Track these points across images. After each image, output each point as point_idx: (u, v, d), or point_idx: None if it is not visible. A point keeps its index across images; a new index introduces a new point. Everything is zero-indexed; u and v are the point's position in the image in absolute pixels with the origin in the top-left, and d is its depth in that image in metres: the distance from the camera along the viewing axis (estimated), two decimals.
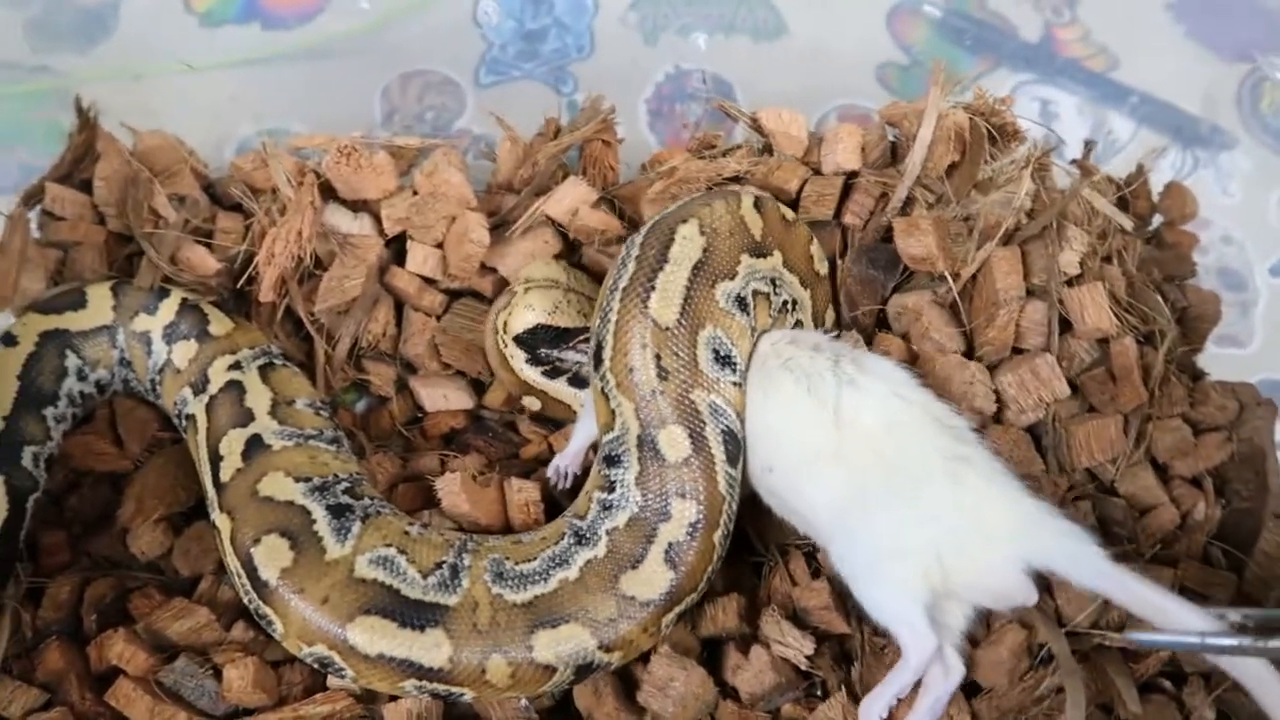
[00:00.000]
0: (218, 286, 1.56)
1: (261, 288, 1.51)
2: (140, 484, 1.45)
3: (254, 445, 1.39)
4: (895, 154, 1.57)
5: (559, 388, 1.51)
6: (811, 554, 1.37)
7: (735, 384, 1.32)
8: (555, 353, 1.47)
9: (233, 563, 1.32)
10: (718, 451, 1.28)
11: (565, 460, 1.45)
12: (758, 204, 1.40)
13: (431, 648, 1.23)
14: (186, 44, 1.90)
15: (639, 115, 1.95)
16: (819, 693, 1.32)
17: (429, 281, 1.59)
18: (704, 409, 1.28)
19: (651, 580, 1.26)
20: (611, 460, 1.31)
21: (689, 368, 1.28)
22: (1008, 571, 1.17)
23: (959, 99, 1.52)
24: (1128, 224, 1.52)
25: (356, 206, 1.57)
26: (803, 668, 1.30)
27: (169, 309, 1.51)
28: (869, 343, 1.44)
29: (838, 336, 1.42)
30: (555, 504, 1.47)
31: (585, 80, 1.95)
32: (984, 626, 1.28)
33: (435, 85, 1.96)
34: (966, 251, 1.44)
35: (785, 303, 1.41)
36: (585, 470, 1.45)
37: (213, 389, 1.46)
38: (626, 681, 1.34)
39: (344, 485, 1.37)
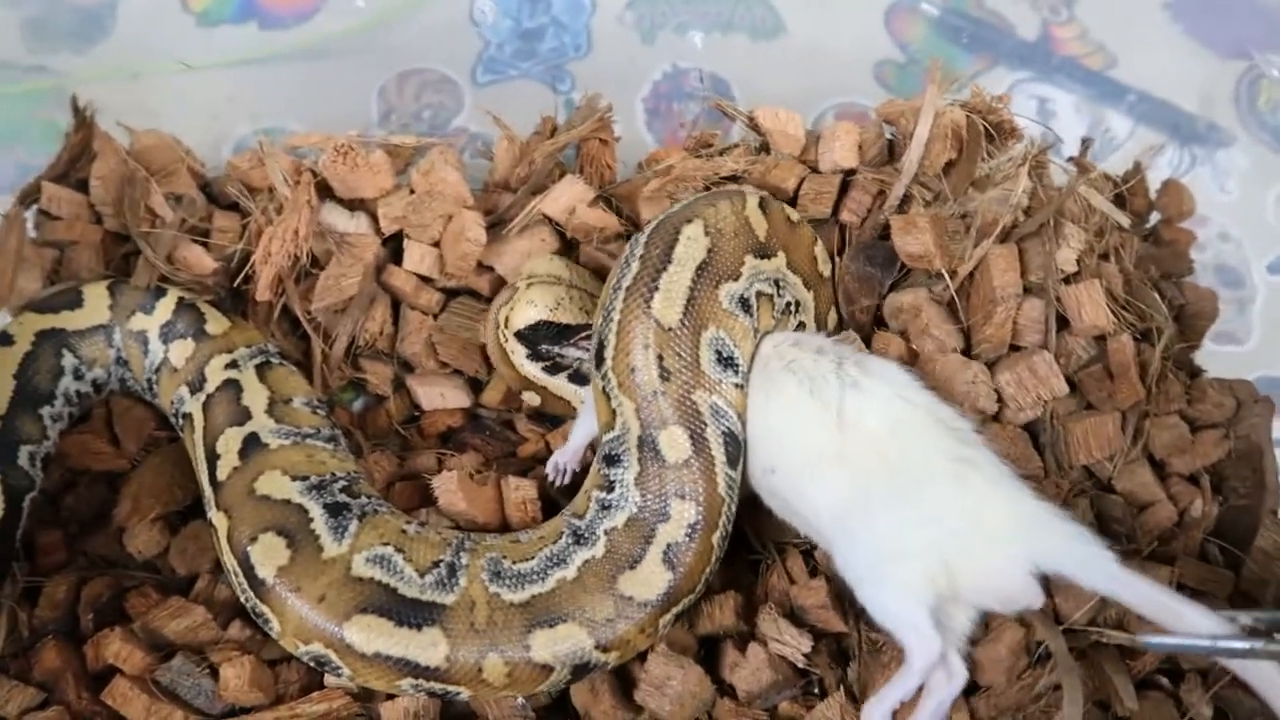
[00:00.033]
0: (214, 285, 1.56)
1: (258, 287, 1.51)
2: (137, 483, 1.45)
3: (251, 444, 1.39)
4: (892, 152, 1.57)
5: (559, 384, 1.51)
6: (809, 552, 1.37)
7: (737, 385, 1.31)
8: (556, 349, 1.46)
9: (229, 561, 1.32)
10: (718, 453, 1.28)
11: (564, 457, 1.45)
12: (763, 205, 1.40)
13: (428, 646, 1.23)
14: (183, 43, 1.90)
15: (636, 114, 1.94)
16: (816, 691, 1.32)
17: (426, 280, 1.59)
18: (705, 410, 1.28)
19: (649, 581, 1.26)
20: (611, 460, 1.31)
21: (691, 369, 1.28)
22: (1014, 574, 1.17)
23: (956, 97, 1.52)
24: (1125, 221, 1.52)
25: (353, 205, 1.57)
26: (800, 665, 1.30)
27: (166, 308, 1.51)
28: (867, 342, 1.44)
29: (841, 333, 1.42)
30: (552, 502, 1.47)
31: (582, 79, 1.95)
32: (982, 625, 1.27)
33: (432, 84, 1.95)
34: (964, 249, 1.44)
35: (788, 304, 1.41)
36: (584, 468, 1.45)
37: (210, 388, 1.46)
38: (623, 680, 1.34)
39: (341, 484, 1.37)
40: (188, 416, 1.46)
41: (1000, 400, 1.40)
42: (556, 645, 1.24)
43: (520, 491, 1.43)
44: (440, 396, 1.59)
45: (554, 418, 1.61)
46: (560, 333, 1.45)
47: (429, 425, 1.60)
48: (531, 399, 1.55)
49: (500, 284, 1.58)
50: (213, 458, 1.39)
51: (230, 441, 1.39)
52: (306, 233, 1.49)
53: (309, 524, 1.31)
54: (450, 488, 1.41)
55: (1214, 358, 1.62)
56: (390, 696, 1.30)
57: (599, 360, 1.31)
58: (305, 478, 1.36)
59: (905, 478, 1.21)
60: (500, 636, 1.24)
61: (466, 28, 1.97)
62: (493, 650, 1.23)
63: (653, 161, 1.63)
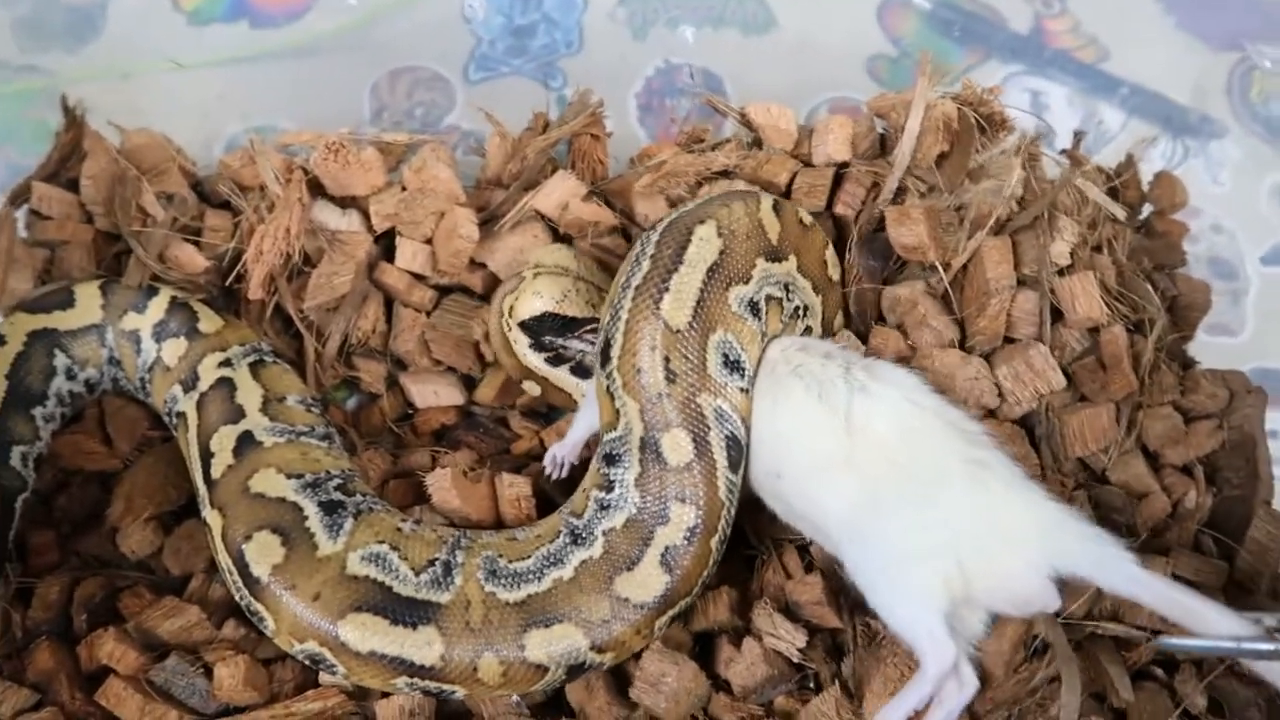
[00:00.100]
0: (206, 284, 1.56)
1: (250, 285, 1.50)
2: (130, 483, 1.45)
3: (245, 442, 1.38)
4: (884, 146, 1.57)
5: (561, 376, 1.50)
6: (804, 548, 1.37)
7: (742, 389, 1.30)
8: (560, 341, 1.46)
9: (224, 559, 1.31)
10: (720, 457, 1.27)
11: (563, 450, 1.45)
12: (776, 207, 1.39)
13: (423, 645, 1.23)
14: (174, 42, 1.89)
15: (629, 110, 1.94)
16: (812, 685, 1.31)
17: (418, 277, 1.59)
18: (709, 414, 1.28)
19: (646, 583, 1.25)
20: (611, 459, 1.30)
21: (697, 371, 1.27)
22: (1031, 577, 1.16)
23: (948, 90, 1.52)
24: (1119, 213, 1.52)
25: (345, 203, 1.57)
26: (795, 660, 1.30)
27: (158, 307, 1.51)
28: (866, 338, 1.44)
29: (839, 334, 1.42)
30: (547, 499, 1.47)
31: (575, 75, 1.94)
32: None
33: (425, 81, 1.95)
34: (958, 241, 1.44)
35: (797, 308, 1.40)
36: (582, 462, 1.44)
37: (203, 386, 1.45)
38: (619, 677, 1.34)
39: (336, 482, 1.37)
40: (181, 415, 1.45)
41: (999, 395, 1.40)
42: (552, 645, 1.24)
43: (514, 488, 1.43)
44: (434, 394, 1.59)
45: (548, 414, 1.60)
46: (565, 325, 1.44)
47: (423, 423, 1.60)
48: (532, 389, 1.54)
49: (493, 280, 1.58)
50: (207, 456, 1.38)
51: (224, 440, 1.39)
52: (298, 231, 1.49)
53: (304, 522, 1.30)
54: (444, 485, 1.41)
55: (1208, 349, 1.62)
56: (385, 695, 1.30)
57: (604, 359, 1.31)
58: (300, 475, 1.35)
59: (916, 481, 1.20)
60: (495, 636, 1.23)
61: (458, 25, 1.97)
62: (488, 650, 1.23)
63: (645, 157, 1.63)
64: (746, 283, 1.32)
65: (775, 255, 1.36)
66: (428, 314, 1.59)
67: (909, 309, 1.43)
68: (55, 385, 1.48)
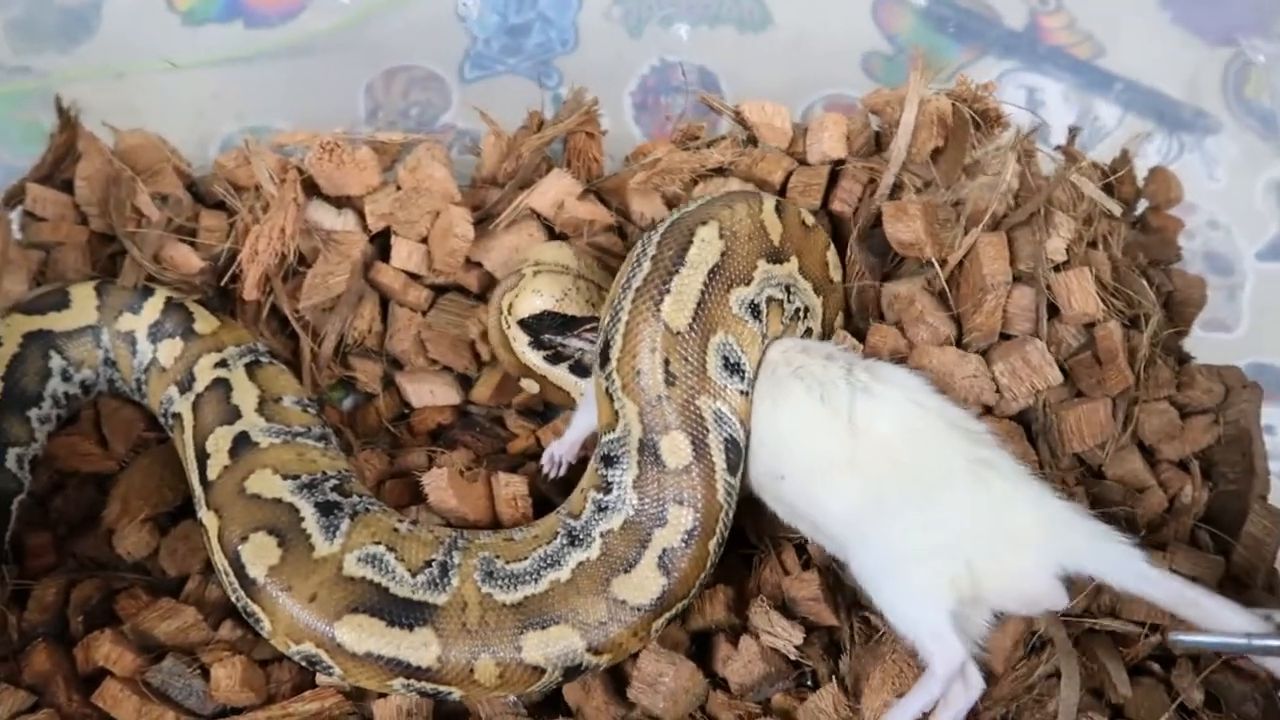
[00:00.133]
0: (202, 285, 1.55)
1: (245, 285, 1.50)
2: (126, 484, 1.45)
3: (241, 442, 1.38)
4: (879, 142, 1.57)
5: (560, 374, 1.49)
6: (802, 546, 1.37)
7: (742, 392, 1.30)
8: (559, 339, 1.45)
9: (220, 560, 1.31)
10: (719, 460, 1.27)
11: (561, 449, 1.45)
12: (779, 208, 1.38)
13: (420, 647, 1.23)
14: (169, 42, 1.89)
15: (624, 108, 1.94)
16: (809, 683, 1.31)
17: (414, 277, 1.58)
18: (709, 416, 1.27)
19: (643, 585, 1.25)
20: (609, 460, 1.30)
21: (697, 374, 1.27)
22: (1040, 576, 1.16)
23: (943, 86, 1.52)
24: (1115, 209, 1.52)
25: (340, 203, 1.57)
26: (792, 658, 1.30)
27: (153, 308, 1.50)
28: (864, 336, 1.44)
29: (838, 335, 1.42)
30: (544, 498, 1.47)
31: (570, 74, 1.94)
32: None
33: (420, 81, 1.95)
34: (954, 237, 1.44)
35: (797, 310, 1.40)
36: (580, 461, 1.44)
37: (199, 387, 1.45)
38: (616, 676, 1.33)
39: (333, 482, 1.37)
40: (177, 416, 1.45)
41: (996, 391, 1.40)
42: (548, 647, 1.24)
43: (511, 488, 1.42)
44: (430, 393, 1.59)
45: (544, 413, 1.60)
46: (565, 324, 1.43)
47: (419, 422, 1.60)
48: (530, 386, 1.54)
49: (489, 279, 1.58)
50: (203, 457, 1.38)
51: (220, 440, 1.39)
52: (293, 231, 1.48)
53: (300, 523, 1.30)
54: (440, 485, 1.40)
55: (1204, 345, 1.62)
56: (382, 695, 1.30)
57: (604, 360, 1.30)
58: (296, 476, 1.35)
59: (920, 482, 1.19)
60: (492, 637, 1.23)
61: (453, 24, 1.97)
62: (484, 651, 1.23)
63: (640, 155, 1.63)
64: (748, 284, 1.31)
65: (777, 257, 1.35)
66: (423, 313, 1.59)
67: (906, 305, 1.43)
68: (51, 387, 1.47)
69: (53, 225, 1.55)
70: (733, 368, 1.29)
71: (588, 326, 1.43)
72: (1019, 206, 1.46)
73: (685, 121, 1.67)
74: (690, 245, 1.29)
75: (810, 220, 1.44)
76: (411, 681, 1.25)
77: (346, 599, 1.24)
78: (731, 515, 1.31)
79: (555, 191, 1.55)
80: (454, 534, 1.34)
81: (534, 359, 1.48)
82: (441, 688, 1.26)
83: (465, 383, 1.62)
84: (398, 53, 1.95)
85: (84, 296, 1.50)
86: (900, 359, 1.38)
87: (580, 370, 1.48)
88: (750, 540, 1.42)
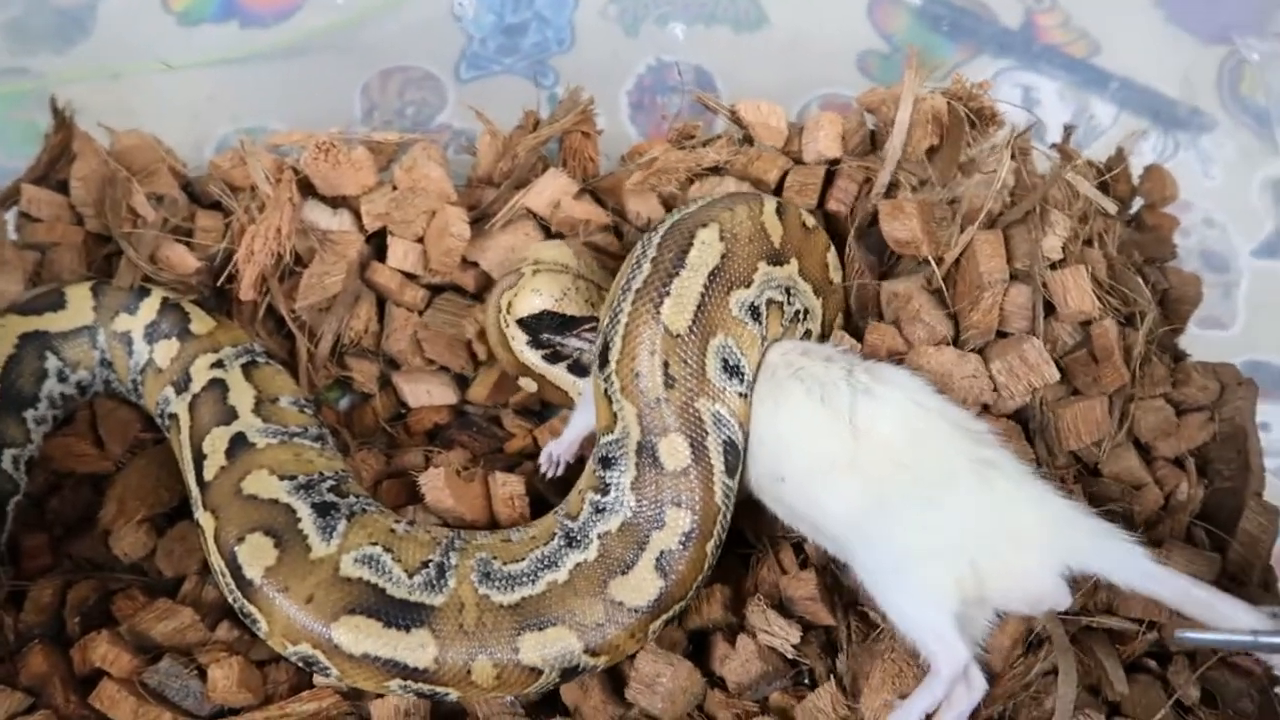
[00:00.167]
0: (198, 285, 1.55)
1: (242, 286, 1.50)
2: (122, 485, 1.45)
3: (238, 443, 1.38)
4: (875, 141, 1.57)
5: (558, 374, 1.49)
6: (800, 545, 1.37)
7: (741, 394, 1.30)
8: (558, 338, 1.45)
9: (217, 561, 1.31)
10: (717, 462, 1.27)
11: (559, 449, 1.45)
12: (780, 210, 1.38)
13: (417, 648, 1.23)
14: (164, 43, 1.89)
15: (620, 108, 1.94)
16: (806, 681, 1.32)
17: (410, 277, 1.58)
18: (708, 418, 1.27)
19: (641, 587, 1.25)
20: (608, 462, 1.30)
21: (696, 376, 1.27)
22: (1044, 576, 1.16)
23: (938, 85, 1.52)
24: (1110, 207, 1.52)
25: (336, 203, 1.57)
26: (789, 656, 1.30)
27: (150, 308, 1.50)
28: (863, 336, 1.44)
29: (836, 336, 1.42)
30: (541, 498, 1.47)
31: (566, 74, 1.94)
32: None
33: (416, 81, 1.95)
34: (950, 235, 1.44)
35: (797, 312, 1.40)
36: (577, 460, 1.44)
37: (195, 387, 1.45)
38: (613, 676, 1.33)
39: (329, 483, 1.37)
40: (173, 417, 1.45)
41: (993, 389, 1.40)
42: (545, 648, 1.23)
43: (508, 487, 1.42)
44: (426, 393, 1.59)
45: (541, 413, 1.60)
46: (564, 323, 1.43)
47: (416, 422, 1.60)
48: (528, 385, 1.54)
49: (485, 279, 1.58)
50: (199, 457, 1.38)
51: (217, 441, 1.39)
52: (289, 231, 1.48)
53: (297, 524, 1.30)
54: (437, 485, 1.40)
55: (1199, 342, 1.62)
56: (380, 695, 1.30)
57: (603, 361, 1.30)
58: (293, 477, 1.35)
59: (922, 483, 1.19)
60: (489, 639, 1.23)
61: (449, 24, 1.97)
62: (481, 652, 1.23)
63: (636, 154, 1.63)
64: (748, 286, 1.31)
65: (777, 259, 1.35)
66: (420, 313, 1.59)
67: (904, 303, 1.43)
68: (47, 388, 1.47)
69: (48, 226, 1.55)
70: (732, 370, 1.29)
71: (586, 326, 1.43)
72: (1015, 204, 1.46)
73: (681, 121, 1.67)
74: (690, 247, 1.28)
75: (811, 222, 1.44)
76: (408, 683, 1.25)
77: (343, 600, 1.24)
78: (729, 518, 1.31)
79: (551, 191, 1.55)
80: (451, 535, 1.34)
81: (532, 358, 1.48)
82: (438, 689, 1.26)
83: (462, 382, 1.62)
84: (393, 53, 1.95)
85: (80, 297, 1.50)
86: (899, 359, 1.38)
87: (578, 369, 1.48)
88: (748, 540, 1.42)
